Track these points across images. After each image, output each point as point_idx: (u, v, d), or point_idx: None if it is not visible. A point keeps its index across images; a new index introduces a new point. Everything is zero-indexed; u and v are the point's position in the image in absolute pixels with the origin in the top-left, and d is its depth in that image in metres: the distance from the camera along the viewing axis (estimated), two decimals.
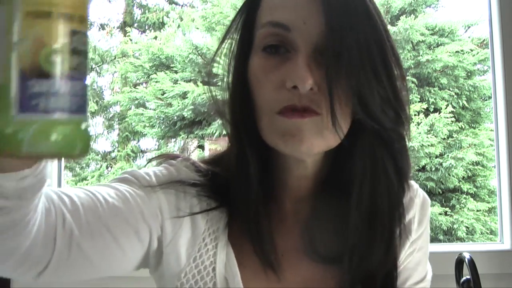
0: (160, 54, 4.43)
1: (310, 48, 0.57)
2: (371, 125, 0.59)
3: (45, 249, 0.53)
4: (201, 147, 4.58)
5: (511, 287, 1.29)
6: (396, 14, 4.11)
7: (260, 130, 0.61)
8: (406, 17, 4.01)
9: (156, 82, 4.32)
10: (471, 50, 4.20)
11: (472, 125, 4.23)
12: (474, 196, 4.08)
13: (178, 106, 4.15)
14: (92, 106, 5.21)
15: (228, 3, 4.23)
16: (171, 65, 4.41)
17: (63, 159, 0.50)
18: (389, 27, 0.64)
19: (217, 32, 4.29)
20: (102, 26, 5.70)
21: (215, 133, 4.05)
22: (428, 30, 4.16)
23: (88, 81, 0.38)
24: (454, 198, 4.04)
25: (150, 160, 0.74)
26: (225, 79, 0.67)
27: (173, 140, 4.67)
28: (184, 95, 4.17)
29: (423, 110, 3.89)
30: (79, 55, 0.35)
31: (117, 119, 5.44)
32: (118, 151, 5.27)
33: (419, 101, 3.94)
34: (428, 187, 3.85)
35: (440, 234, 3.84)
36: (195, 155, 4.41)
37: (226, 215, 0.66)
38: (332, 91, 0.56)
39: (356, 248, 0.64)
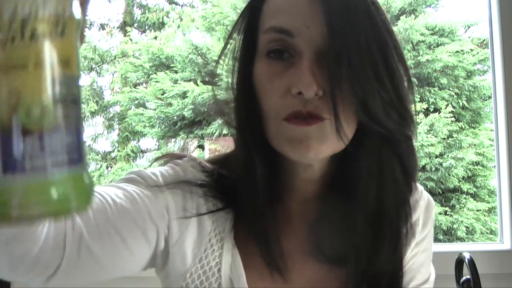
0: (160, 54, 4.43)
1: (313, 52, 0.57)
2: (375, 128, 0.59)
3: (55, 253, 0.53)
4: (201, 147, 4.58)
5: (511, 287, 1.29)
6: (396, 14, 4.11)
7: (267, 135, 0.61)
8: (406, 17, 4.01)
9: (156, 82, 4.32)
10: (471, 50, 4.20)
11: (472, 125, 4.23)
12: (474, 196, 4.08)
13: (178, 106, 4.16)
14: (92, 106, 5.21)
15: (228, 3, 4.23)
16: (171, 65, 4.41)
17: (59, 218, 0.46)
18: None
19: (217, 32, 4.29)
20: (102, 26, 5.70)
21: (215, 133, 4.05)
22: (428, 30, 4.17)
23: (84, 126, 0.34)
24: (454, 198, 4.04)
25: (155, 160, 0.74)
26: (226, 79, 0.67)
27: (173, 140, 4.67)
28: (184, 95, 4.17)
29: (423, 110, 3.89)
30: (65, 103, 0.31)
31: (117, 119, 5.43)
32: (118, 151, 5.27)
33: (419, 101, 3.94)
34: (428, 187, 3.85)
35: (440, 234, 3.84)
36: (195, 155, 4.41)
37: (232, 216, 0.66)
38: (335, 96, 0.56)
39: (363, 248, 0.65)
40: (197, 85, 4.08)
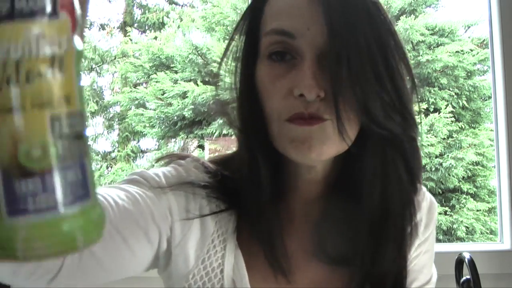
0: (160, 54, 4.43)
1: (315, 53, 0.57)
2: (376, 130, 0.58)
3: None
4: (201, 146, 4.59)
5: (511, 287, 1.29)
6: (396, 14, 4.11)
7: (270, 136, 0.61)
8: (406, 17, 4.02)
9: (156, 82, 4.33)
10: (471, 50, 4.20)
11: (472, 125, 4.23)
12: (474, 196, 4.08)
13: (178, 106, 4.16)
14: (92, 106, 5.22)
15: (228, 3, 4.23)
16: (171, 65, 4.41)
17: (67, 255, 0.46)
18: None
19: (217, 32, 4.29)
20: (102, 26, 5.71)
21: (215, 133, 4.05)
22: (428, 30, 4.17)
23: (90, 159, 0.33)
24: (454, 198, 4.04)
25: (158, 160, 0.73)
26: (228, 80, 0.67)
27: (173, 140, 4.67)
28: (184, 95, 4.17)
29: (423, 110, 3.89)
30: (68, 140, 0.31)
31: (117, 119, 5.44)
32: (118, 151, 5.28)
33: (419, 101, 3.94)
34: (428, 187, 3.85)
35: (440, 234, 3.84)
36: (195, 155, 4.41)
37: (235, 217, 0.66)
38: (337, 97, 0.56)
39: (367, 249, 0.64)
40: (197, 85, 4.09)
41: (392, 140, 0.61)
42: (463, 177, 4.02)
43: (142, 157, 5.22)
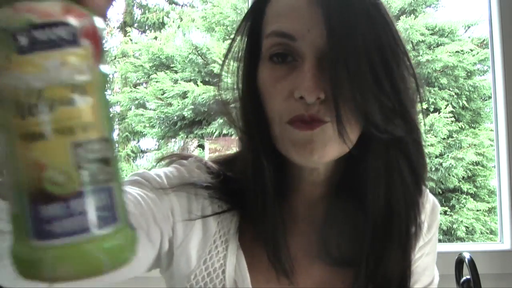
0: (160, 54, 4.43)
1: (315, 55, 0.57)
2: (376, 133, 0.58)
3: None
4: (201, 146, 4.58)
5: (511, 287, 1.29)
6: (396, 14, 4.11)
7: (273, 138, 0.61)
8: (406, 17, 4.02)
9: (156, 82, 4.32)
10: (471, 50, 4.20)
11: (472, 125, 4.23)
12: (474, 196, 4.08)
13: (178, 106, 4.16)
14: None
15: (228, 3, 4.23)
16: (171, 65, 4.41)
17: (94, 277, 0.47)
18: None
19: (217, 32, 4.29)
20: None
21: (215, 132, 4.05)
22: (428, 30, 4.17)
23: (118, 184, 0.33)
24: (454, 198, 4.04)
25: (160, 160, 0.73)
26: (229, 80, 0.67)
27: (173, 140, 4.67)
28: (184, 95, 4.17)
29: (423, 110, 3.89)
30: (92, 165, 0.31)
31: (117, 119, 5.44)
32: (118, 151, 5.27)
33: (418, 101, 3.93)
34: (428, 187, 3.84)
35: (440, 234, 3.84)
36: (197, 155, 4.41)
37: (238, 218, 0.66)
38: (337, 100, 0.56)
39: (371, 250, 0.64)
40: (197, 85, 4.09)
41: (394, 142, 0.61)
42: (463, 177, 4.02)
43: (142, 157, 5.22)
